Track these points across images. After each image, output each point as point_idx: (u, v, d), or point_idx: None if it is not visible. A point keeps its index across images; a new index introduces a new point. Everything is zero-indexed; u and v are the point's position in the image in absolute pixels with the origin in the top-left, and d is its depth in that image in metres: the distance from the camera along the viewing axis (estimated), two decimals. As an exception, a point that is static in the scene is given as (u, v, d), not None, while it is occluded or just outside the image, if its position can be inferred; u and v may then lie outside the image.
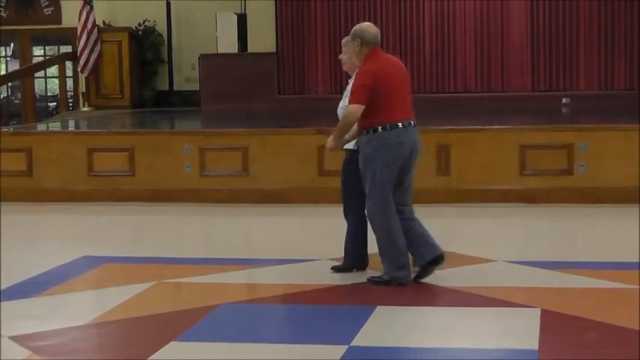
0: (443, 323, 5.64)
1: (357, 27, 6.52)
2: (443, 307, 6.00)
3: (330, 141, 6.53)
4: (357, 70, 6.48)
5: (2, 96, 17.11)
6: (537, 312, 5.70)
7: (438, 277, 6.68)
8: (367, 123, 6.33)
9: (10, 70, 17.31)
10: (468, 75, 14.77)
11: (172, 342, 5.31)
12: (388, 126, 6.35)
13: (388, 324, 5.61)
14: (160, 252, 7.22)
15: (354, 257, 6.80)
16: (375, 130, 6.34)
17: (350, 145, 6.61)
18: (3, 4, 16.69)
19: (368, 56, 6.44)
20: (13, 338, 5.43)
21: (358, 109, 6.28)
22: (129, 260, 7.23)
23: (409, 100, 6.60)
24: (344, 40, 6.72)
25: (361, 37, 6.44)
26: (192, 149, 10.35)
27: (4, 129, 12.39)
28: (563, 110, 13.54)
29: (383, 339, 5.31)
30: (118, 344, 5.56)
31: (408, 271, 6.45)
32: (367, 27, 6.52)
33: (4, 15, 16.74)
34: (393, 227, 6.42)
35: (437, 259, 6.48)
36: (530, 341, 5.15)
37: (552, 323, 5.50)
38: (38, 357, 5.15)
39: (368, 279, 6.55)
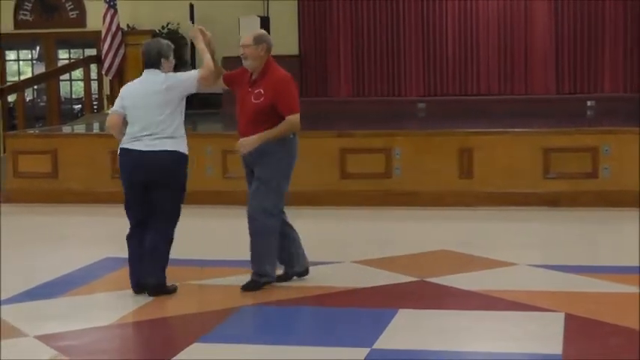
0: (465, 326, 5.63)
1: (260, 32, 6.58)
2: (465, 311, 5.99)
3: (252, 140, 6.38)
4: (275, 77, 6.43)
5: (28, 99, 17.20)
6: (561, 316, 5.68)
7: (461, 280, 6.68)
8: None
9: (36, 72, 17.41)
10: (490, 77, 14.72)
11: (195, 343, 5.34)
12: (295, 134, 6.54)
13: (410, 327, 5.61)
14: (183, 254, 7.23)
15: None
16: (287, 137, 6.45)
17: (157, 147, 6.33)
18: (29, 8, 16.81)
19: (271, 62, 6.50)
20: (39, 338, 5.48)
21: (299, 117, 6.41)
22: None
23: None
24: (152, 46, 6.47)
25: (267, 43, 6.48)
26: (215, 151, 10.39)
27: (30, 131, 12.49)
28: (588, 113, 13.48)
29: (405, 342, 5.31)
30: (141, 345, 5.59)
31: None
32: (267, 33, 6.61)
33: (30, 19, 16.84)
34: (277, 230, 6.58)
35: (306, 272, 6.79)
36: (554, 346, 5.13)
37: (576, 328, 5.49)
38: (64, 356, 5.19)
39: (244, 287, 6.48)
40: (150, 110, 6.30)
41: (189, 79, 6.38)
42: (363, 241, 8.48)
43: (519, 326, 5.63)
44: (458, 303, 6.22)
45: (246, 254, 6.59)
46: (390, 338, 5.36)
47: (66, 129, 13.48)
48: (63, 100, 17.68)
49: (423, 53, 14.85)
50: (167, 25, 15.66)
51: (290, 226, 6.75)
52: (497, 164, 9.96)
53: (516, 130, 10.35)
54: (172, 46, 6.50)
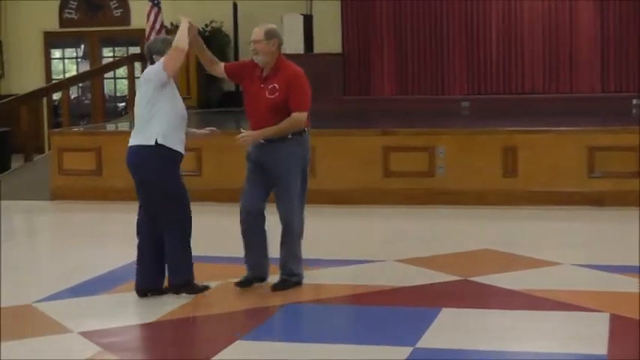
0: (509, 326, 5.60)
1: (270, 27, 6.41)
2: (509, 310, 5.95)
3: (255, 135, 6.32)
4: (291, 72, 6.35)
5: (73, 96, 17.37)
6: (606, 317, 5.63)
7: (504, 279, 6.64)
8: None
9: (80, 71, 17.59)
10: (535, 76, 14.60)
11: (238, 341, 5.35)
12: (308, 129, 6.46)
13: (454, 326, 5.59)
14: (226, 251, 7.25)
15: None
16: (302, 133, 6.38)
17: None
18: (74, 7, 16.97)
19: (282, 58, 6.42)
20: (83, 334, 5.53)
21: (306, 115, 6.33)
22: (195, 259, 7.27)
23: None
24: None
25: (279, 38, 6.39)
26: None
27: (75, 129, 12.60)
28: (634, 112, 13.33)
29: (448, 341, 5.29)
30: (185, 342, 5.61)
31: None
32: (277, 28, 6.47)
33: (75, 17, 17.02)
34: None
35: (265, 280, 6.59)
36: (599, 346, 5.09)
37: (621, 328, 5.43)
38: (108, 353, 5.23)
39: (274, 287, 6.44)
40: (137, 105, 6.33)
41: (158, 68, 6.22)
42: (406, 240, 8.46)
43: (563, 326, 5.59)
44: (501, 302, 6.19)
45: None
46: (433, 337, 5.34)
47: (110, 127, 13.61)
48: (107, 98, 17.83)
49: (466, 51, 14.77)
50: (210, 24, 15.73)
51: (264, 235, 6.58)
52: (541, 163, 9.89)
53: (561, 128, 10.27)
54: (170, 40, 6.37)
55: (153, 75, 6.25)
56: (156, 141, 6.17)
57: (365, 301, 6.26)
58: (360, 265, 7.28)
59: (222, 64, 6.71)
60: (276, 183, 6.42)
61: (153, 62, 6.35)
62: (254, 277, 6.50)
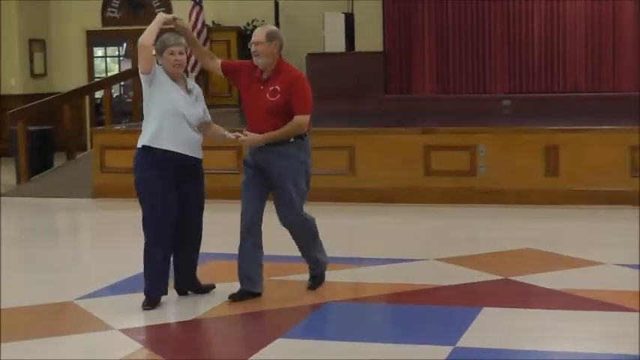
0: (550, 326, 5.56)
1: (272, 29, 6.35)
2: (550, 310, 5.91)
3: (258, 139, 6.19)
4: (293, 75, 6.29)
5: (115, 95, 17.50)
6: (648, 317, 5.58)
7: (546, 279, 6.60)
8: None
9: (122, 69, 17.72)
10: (577, 75, 14.49)
11: (279, 339, 5.37)
12: (310, 133, 6.39)
13: (494, 326, 5.56)
14: (266, 250, 7.27)
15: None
16: (304, 137, 6.32)
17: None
18: (116, 6, 17.11)
19: (282, 60, 6.34)
20: (124, 331, 5.57)
21: (308, 118, 6.26)
22: (235, 257, 7.31)
23: None
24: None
25: (280, 41, 6.30)
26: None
27: (117, 127, 12.69)
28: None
29: (488, 341, 5.27)
30: (224, 340, 5.64)
31: None
32: (278, 30, 6.39)
33: (117, 16, 17.16)
34: (314, 221, 6.49)
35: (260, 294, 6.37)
36: (641, 347, 5.05)
37: (664, 329, 5.38)
38: (148, 350, 5.26)
39: (310, 287, 6.43)
40: None
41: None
42: (447, 239, 8.44)
43: (605, 326, 5.54)
44: (542, 302, 6.15)
45: (327, 251, 6.59)
46: (474, 337, 5.32)
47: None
48: (149, 96, 17.93)
49: (508, 50, 14.68)
50: (252, 22, 15.77)
51: (261, 246, 6.43)
52: (583, 162, 9.82)
53: (603, 127, 10.19)
54: (163, 40, 6.28)
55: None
56: (141, 143, 6.16)
57: (404, 300, 6.25)
58: (399, 263, 7.27)
59: (218, 60, 6.59)
60: (277, 187, 6.32)
61: (158, 62, 6.33)
62: (247, 292, 6.28)
